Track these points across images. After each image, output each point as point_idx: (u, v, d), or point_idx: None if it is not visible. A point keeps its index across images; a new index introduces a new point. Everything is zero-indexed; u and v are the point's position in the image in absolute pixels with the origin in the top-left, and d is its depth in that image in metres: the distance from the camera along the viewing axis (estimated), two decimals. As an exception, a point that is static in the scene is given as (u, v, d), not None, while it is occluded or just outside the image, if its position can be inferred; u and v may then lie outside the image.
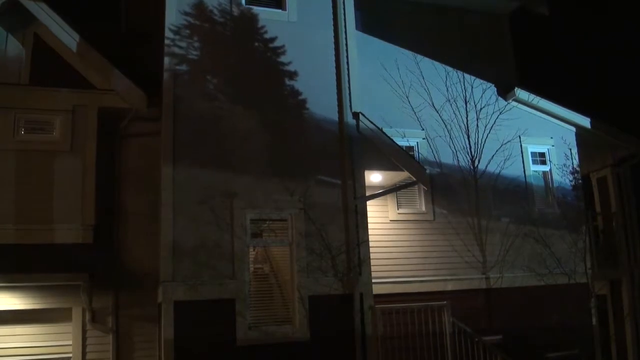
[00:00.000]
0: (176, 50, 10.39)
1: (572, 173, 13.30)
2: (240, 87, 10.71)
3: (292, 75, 11.04)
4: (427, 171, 11.78)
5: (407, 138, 12.58)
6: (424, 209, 12.62)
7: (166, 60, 10.29)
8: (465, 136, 13.12)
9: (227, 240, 9.97)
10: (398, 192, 12.12)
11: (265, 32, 11.05)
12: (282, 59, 11.03)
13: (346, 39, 11.55)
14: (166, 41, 10.36)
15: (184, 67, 10.40)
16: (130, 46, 12.15)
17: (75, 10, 11.40)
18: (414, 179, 11.14)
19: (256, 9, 11.11)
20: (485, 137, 13.11)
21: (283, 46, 11.06)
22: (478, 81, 13.51)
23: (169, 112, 10.16)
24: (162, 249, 9.71)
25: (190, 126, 10.23)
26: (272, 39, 11.04)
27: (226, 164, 10.26)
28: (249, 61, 10.89)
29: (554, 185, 13.83)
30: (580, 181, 13.62)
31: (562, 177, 13.51)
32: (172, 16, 10.49)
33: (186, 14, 10.58)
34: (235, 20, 10.95)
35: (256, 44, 10.99)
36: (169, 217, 9.75)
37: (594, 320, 11.85)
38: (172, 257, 9.61)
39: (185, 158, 10.04)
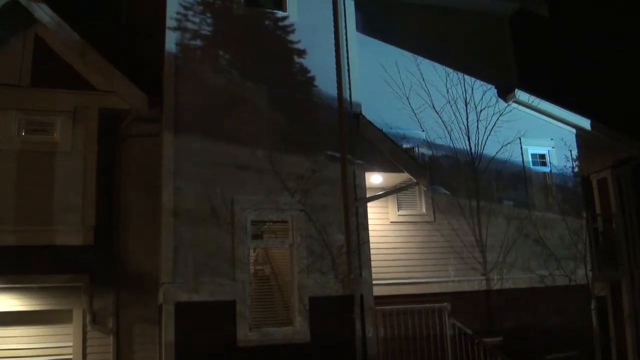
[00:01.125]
0: (179, 27, 10.47)
1: (572, 174, 13.30)
2: (245, 78, 10.73)
3: (299, 81, 11.08)
4: (430, 155, 11.83)
5: (407, 139, 12.59)
6: (424, 210, 12.62)
7: (167, 55, 10.36)
8: (466, 137, 13.13)
9: (228, 242, 9.97)
10: (398, 194, 12.13)
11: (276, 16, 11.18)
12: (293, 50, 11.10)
13: (347, 40, 11.56)
14: (168, 12, 10.41)
15: (186, 49, 10.45)
16: (131, 46, 12.14)
17: (75, 9, 11.39)
18: (415, 180, 11.16)
19: (255, 9, 11.14)
20: (485, 138, 13.11)
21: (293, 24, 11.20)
22: (478, 83, 13.52)
23: (170, 115, 10.17)
24: (163, 250, 9.72)
25: (191, 127, 10.23)
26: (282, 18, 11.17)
27: (227, 165, 10.27)
28: (253, 55, 10.93)
29: (554, 186, 13.83)
30: (580, 182, 13.62)
31: (562, 179, 13.51)
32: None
33: None
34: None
35: (267, 22, 11.09)
36: (169, 219, 9.76)
37: (594, 322, 11.86)
38: (172, 259, 9.62)
39: (186, 160, 10.05)
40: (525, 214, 13.23)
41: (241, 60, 10.82)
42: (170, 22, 10.43)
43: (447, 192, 12.67)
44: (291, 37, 11.17)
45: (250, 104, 10.65)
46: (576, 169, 13.54)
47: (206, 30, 10.64)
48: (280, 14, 11.21)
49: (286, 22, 11.20)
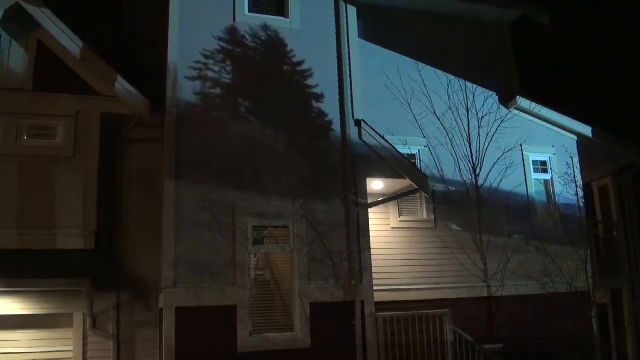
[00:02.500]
0: (180, 70, 10.48)
1: (574, 182, 13.29)
2: (244, 98, 10.77)
3: (301, 90, 11.12)
4: (431, 185, 11.83)
5: (408, 146, 12.61)
6: (425, 216, 12.62)
7: (169, 74, 10.41)
8: (467, 144, 13.13)
9: (229, 247, 9.99)
10: (400, 200, 12.14)
11: (268, 44, 11.14)
12: (290, 67, 11.11)
13: (348, 46, 11.60)
14: (169, 61, 10.44)
15: (186, 80, 10.48)
16: (133, 51, 12.19)
17: (77, 15, 11.43)
18: (416, 187, 11.17)
19: (257, 16, 11.19)
20: (486, 145, 13.12)
21: (291, 52, 11.21)
22: (480, 89, 13.54)
23: (172, 122, 10.23)
24: (164, 255, 9.73)
25: (193, 135, 10.28)
26: (276, 47, 11.11)
27: (229, 171, 10.30)
28: (251, 73, 10.98)
29: (555, 193, 13.83)
30: (581, 190, 13.62)
31: (564, 186, 13.51)
32: (175, 37, 10.57)
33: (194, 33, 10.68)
34: (235, 36, 11.03)
35: (278, 65, 11.11)
36: (170, 223, 9.78)
37: (595, 329, 11.84)
38: (173, 263, 9.64)
39: (187, 165, 10.08)
40: (526, 221, 13.23)
41: (242, 73, 10.90)
42: (171, 69, 10.42)
43: (456, 227, 12.67)
44: (292, 43, 11.22)
45: (252, 119, 10.71)
46: (577, 176, 13.52)
47: (209, 75, 10.61)
48: (296, 58, 11.23)
49: (304, 67, 11.24)
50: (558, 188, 13.77)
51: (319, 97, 11.15)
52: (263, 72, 11.02)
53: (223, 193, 10.15)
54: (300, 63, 11.20)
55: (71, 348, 10.13)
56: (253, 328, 9.83)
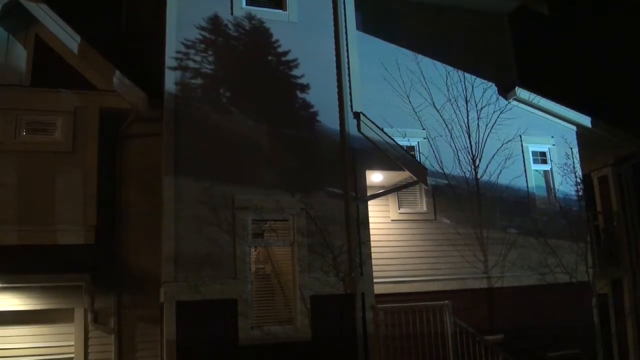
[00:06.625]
0: (178, 62, 10.43)
1: (573, 172, 13.29)
2: (243, 93, 10.75)
3: (297, 83, 11.08)
4: (431, 179, 11.83)
5: (408, 138, 12.61)
6: (425, 208, 12.63)
7: (167, 70, 10.37)
8: (466, 135, 13.13)
9: (229, 241, 9.99)
10: (399, 192, 12.14)
11: (266, 37, 11.10)
12: (285, 60, 11.07)
13: (347, 38, 11.56)
14: (167, 55, 10.39)
15: (184, 76, 10.45)
16: (131, 46, 12.16)
17: (75, 10, 11.39)
18: (415, 179, 11.16)
19: (254, 8, 11.15)
20: (486, 136, 13.12)
21: (287, 49, 11.15)
22: (479, 80, 13.54)
23: (171, 117, 10.20)
24: (164, 249, 9.72)
25: (192, 130, 10.26)
26: (276, 46, 11.11)
27: (228, 165, 10.29)
28: (250, 67, 10.95)
29: (555, 184, 13.83)
30: (581, 180, 13.61)
31: (563, 176, 13.51)
32: (173, 30, 10.52)
33: (195, 26, 10.61)
34: (237, 30, 10.99)
35: (266, 57, 11.05)
36: (170, 218, 9.77)
37: (595, 319, 11.85)
38: (174, 257, 9.63)
39: (186, 159, 10.06)
40: (526, 212, 13.23)
41: (241, 66, 10.89)
42: (169, 62, 10.37)
43: (456, 219, 12.68)
44: (290, 36, 11.19)
45: (252, 114, 10.68)
46: (577, 167, 13.52)
47: (205, 68, 10.57)
48: (292, 51, 11.16)
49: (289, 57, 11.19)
50: (558, 179, 13.77)
51: (317, 90, 11.12)
52: (258, 64, 11.00)
53: (222, 186, 10.15)
54: (295, 56, 11.19)
55: (72, 343, 10.14)
56: (254, 321, 9.85)
